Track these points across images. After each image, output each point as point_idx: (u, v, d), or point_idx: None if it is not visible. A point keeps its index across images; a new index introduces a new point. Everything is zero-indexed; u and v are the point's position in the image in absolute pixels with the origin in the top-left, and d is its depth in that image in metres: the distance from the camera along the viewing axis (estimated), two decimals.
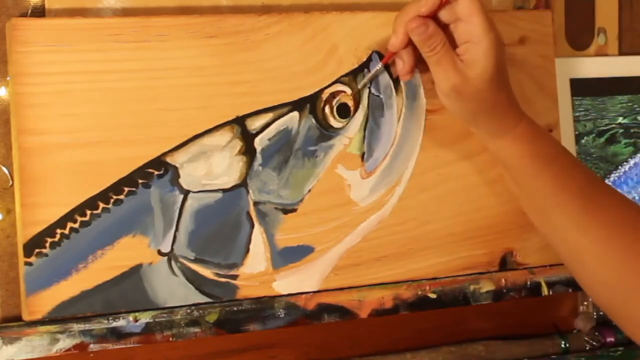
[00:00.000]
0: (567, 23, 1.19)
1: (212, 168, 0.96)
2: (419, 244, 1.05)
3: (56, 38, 0.91)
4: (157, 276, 0.94)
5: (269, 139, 0.99)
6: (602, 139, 1.21)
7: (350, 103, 1.02)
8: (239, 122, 0.97)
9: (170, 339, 0.96)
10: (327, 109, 1.01)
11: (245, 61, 0.97)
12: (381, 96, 1.03)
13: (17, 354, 0.90)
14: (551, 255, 1.07)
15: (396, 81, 1.04)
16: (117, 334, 0.93)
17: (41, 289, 0.90)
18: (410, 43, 0.95)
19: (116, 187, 0.93)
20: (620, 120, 1.22)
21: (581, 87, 1.20)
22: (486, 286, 1.09)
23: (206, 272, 0.96)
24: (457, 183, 1.07)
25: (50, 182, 0.90)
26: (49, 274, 0.90)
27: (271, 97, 0.98)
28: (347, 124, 1.02)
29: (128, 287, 0.93)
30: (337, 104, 1.01)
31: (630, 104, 1.23)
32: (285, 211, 0.99)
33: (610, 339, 1.21)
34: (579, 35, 1.21)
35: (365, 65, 1.02)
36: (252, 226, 0.98)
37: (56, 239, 0.90)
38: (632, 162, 1.23)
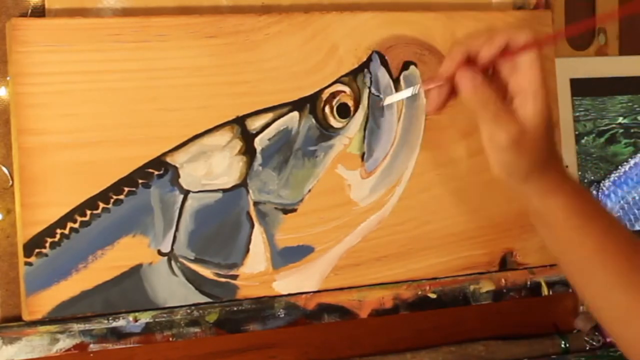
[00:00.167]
0: (567, 23, 1.18)
1: (212, 168, 0.96)
2: (419, 244, 1.05)
3: (56, 38, 0.91)
4: (157, 276, 0.94)
5: (269, 139, 0.99)
6: (602, 139, 1.21)
7: (350, 103, 1.02)
8: (239, 122, 0.97)
9: (170, 339, 0.96)
10: (327, 109, 1.01)
11: (245, 61, 0.97)
12: (381, 96, 1.03)
13: (17, 354, 0.90)
14: (551, 255, 1.06)
15: (396, 81, 1.04)
16: (117, 334, 0.94)
17: (41, 289, 0.90)
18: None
19: (116, 187, 0.93)
20: (620, 120, 1.22)
21: (581, 87, 1.20)
22: (486, 286, 1.09)
23: (206, 272, 0.96)
24: (457, 183, 1.07)
25: (50, 182, 0.90)
26: (49, 274, 0.90)
27: (271, 97, 0.98)
28: (347, 124, 1.02)
29: (128, 287, 0.93)
30: (337, 104, 1.01)
31: (630, 104, 1.23)
32: (285, 211, 0.99)
33: (610, 339, 1.20)
34: (579, 35, 1.21)
35: (365, 65, 1.02)
36: (252, 226, 0.98)
37: (56, 239, 0.90)
38: (632, 162, 1.22)
